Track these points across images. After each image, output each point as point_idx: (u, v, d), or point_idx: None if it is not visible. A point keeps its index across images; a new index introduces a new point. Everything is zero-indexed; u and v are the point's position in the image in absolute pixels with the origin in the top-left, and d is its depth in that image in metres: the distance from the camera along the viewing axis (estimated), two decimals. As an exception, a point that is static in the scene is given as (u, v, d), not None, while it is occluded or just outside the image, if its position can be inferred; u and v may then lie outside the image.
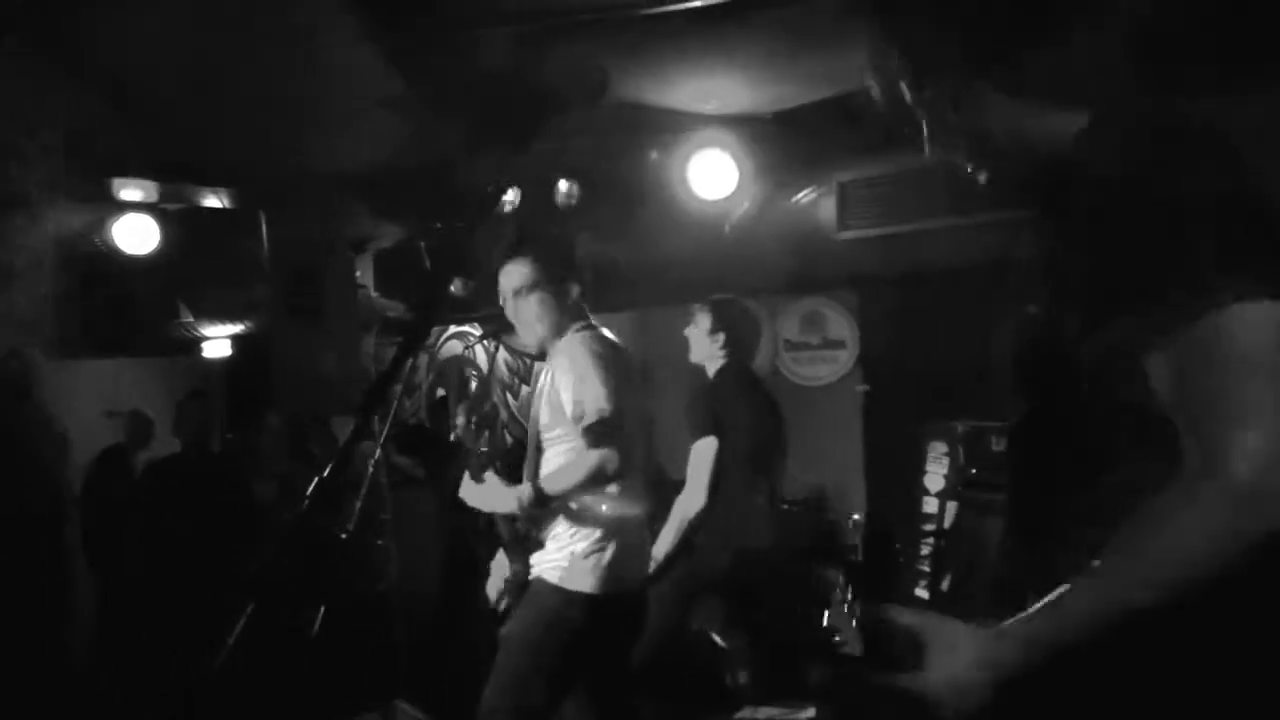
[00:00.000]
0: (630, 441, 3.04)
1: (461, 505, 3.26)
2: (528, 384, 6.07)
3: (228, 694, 1.31)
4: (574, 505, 3.05)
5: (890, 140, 4.71)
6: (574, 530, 3.06)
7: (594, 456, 2.93)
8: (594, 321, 3.24)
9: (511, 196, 5.19)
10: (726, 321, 4.26)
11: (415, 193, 5.72)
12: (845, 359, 5.94)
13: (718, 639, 4.59)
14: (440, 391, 5.62)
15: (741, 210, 5.16)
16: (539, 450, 3.18)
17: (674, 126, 4.81)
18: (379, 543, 5.11)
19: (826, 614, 3.70)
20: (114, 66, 3.72)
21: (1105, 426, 1.24)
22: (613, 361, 3.06)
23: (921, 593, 4.42)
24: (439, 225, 5.95)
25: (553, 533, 3.10)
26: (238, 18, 3.36)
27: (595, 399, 2.94)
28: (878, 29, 1.45)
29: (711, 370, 4.28)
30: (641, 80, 4.06)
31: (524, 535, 3.16)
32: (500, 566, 3.33)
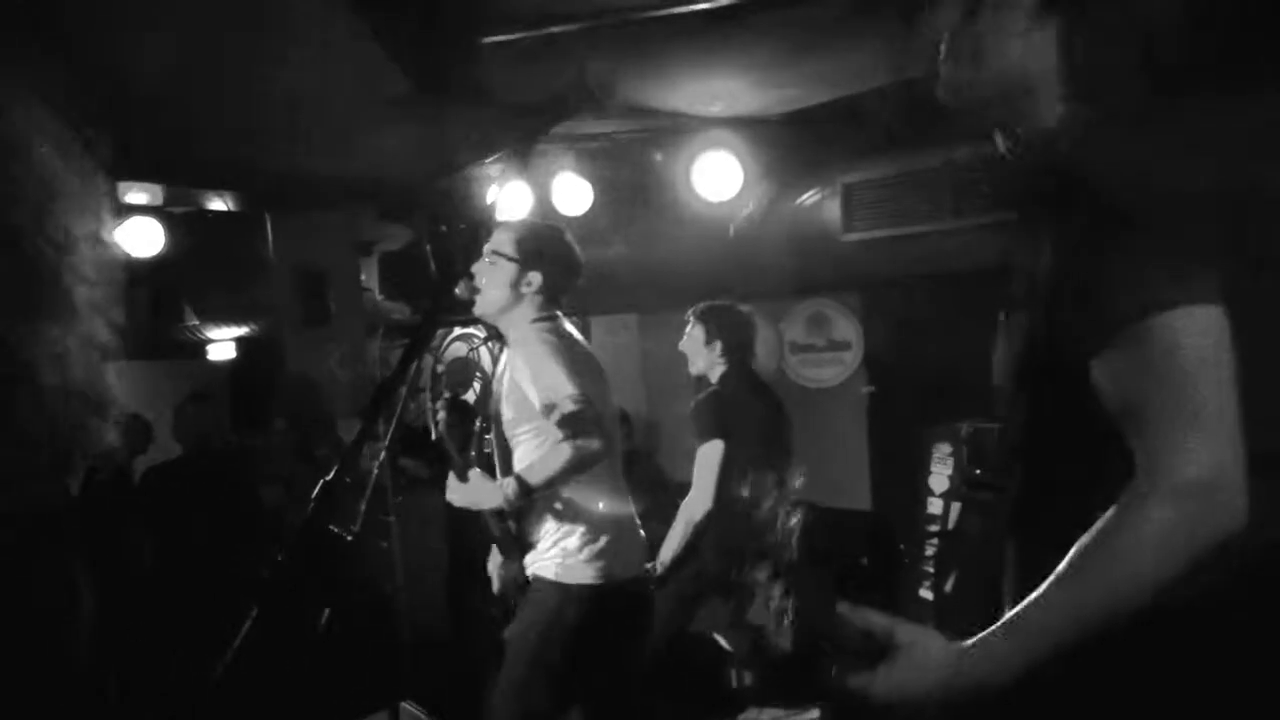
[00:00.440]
0: (607, 428, 3.03)
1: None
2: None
3: (233, 696, 1.31)
4: (558, 500, 3.05)
5: (895, 143, 4.72)
6: (563, 526, 3.06)
7: (571, 444, 2.92)
8: (554, 314, 3.22)
9: (524, 202, 5.20)
10: (720, 327, 4.26)
11: (421, 196, 5.73)
12: (850, 361, 5.94)
13: (721, 641, 4.59)
14: (451, 393, 5.61)
15: (746, 212, 5.16)
16: (507, 449, 3.17)
17: (678, 128, 4.81)
18: (384, 544, 5.11)
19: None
20: (117, 68, 3.73)
21: (1093, 430, 1.24)
22: (569, 350, 3.04)
23: (926, 594, 4.42)
24: (444, 228, 5.97)
25: (543, 530, 3.10)
26: (242, 19, 3.37)
27: (561, 387, 2.92)
28: None
29: (715, 377, 4.29)
30: (646, 82, 4.07)
31: (516, 535, 3.16)
32: (497, 568, 3.33)
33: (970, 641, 1.22)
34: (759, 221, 5.14)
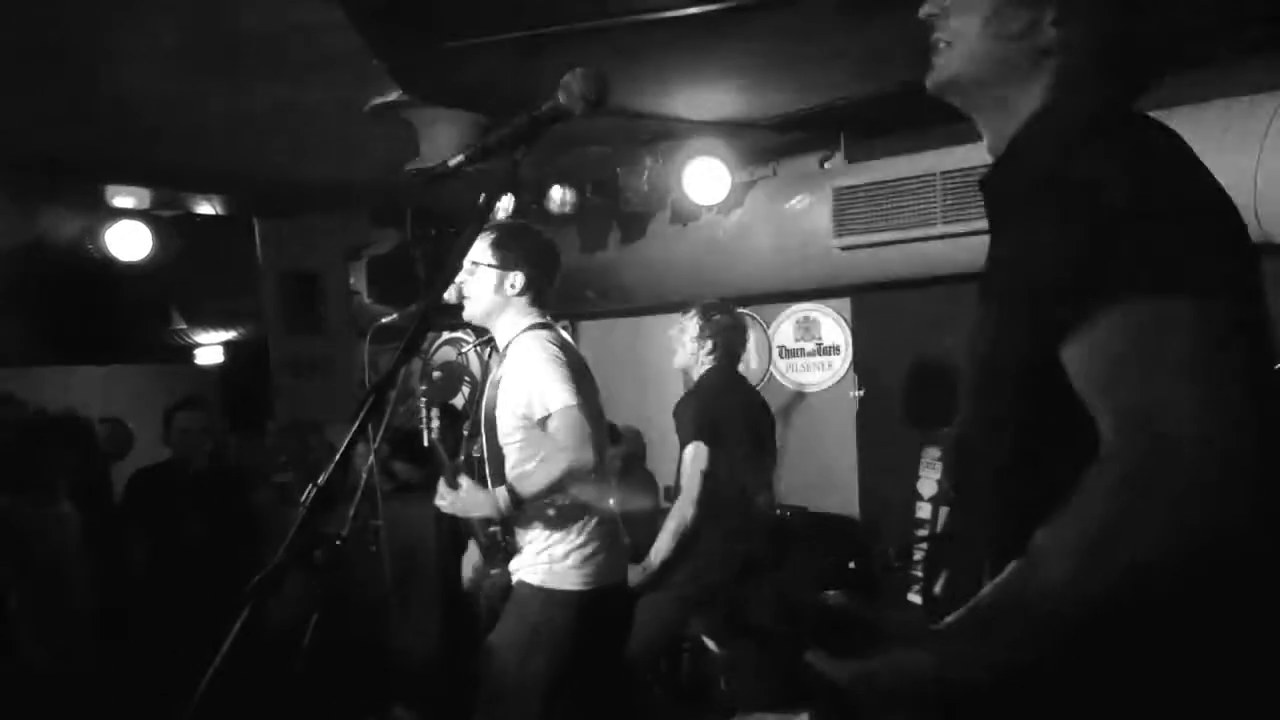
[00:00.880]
0: (598, 439, 3.04)
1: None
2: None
3: (224, 700, 1.31)
4: (547, 508, 3.05)
5: (886, 147, 4.74)
6: (550, 533, 3.06)
7: (565, 455, 2.92)
8: (549, 321, 3.22)
9: (506, 204, 5.20)
10: (715, 329, 4.25)
11: (410, 199, 5.73)
12: (839, 365, 5.94)
13: (711, 644, 4.59)
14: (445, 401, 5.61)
15: (735, 216, 5.17)
16: (500, 455, 3.16)
17: (669, 133, 4.82)
18: (373, 548, 5.10)
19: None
20: (107, 73, 3.72)
21: (1075, 430, 1.24)
22: (564, 359, 3.04)
23: (914, 598, 4.42)
24: (434, 232, 5.96)
25: (529, 537, 3.09)
26: (234, 25, 3.37)
27: (560, 399, 2.93)
28: None
29: (696, 375, 4.28)
30: (638, 87, 4.07)
31: (501, 542, 3.16)
32: (474, 568, 3.33)
33: (952, 617, 1.22)
34: (748, 226, 5.15)
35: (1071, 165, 1.27)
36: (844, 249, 4.72)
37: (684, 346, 4.29)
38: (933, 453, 4.76)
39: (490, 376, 3.28)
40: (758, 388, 4.90)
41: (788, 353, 6.14)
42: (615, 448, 5.17)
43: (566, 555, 3.04)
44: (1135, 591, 1.15)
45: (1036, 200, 1.30)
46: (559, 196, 5.27)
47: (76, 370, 7.69)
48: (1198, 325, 1.15)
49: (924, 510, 4.76)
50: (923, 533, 4.54)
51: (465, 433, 3.40)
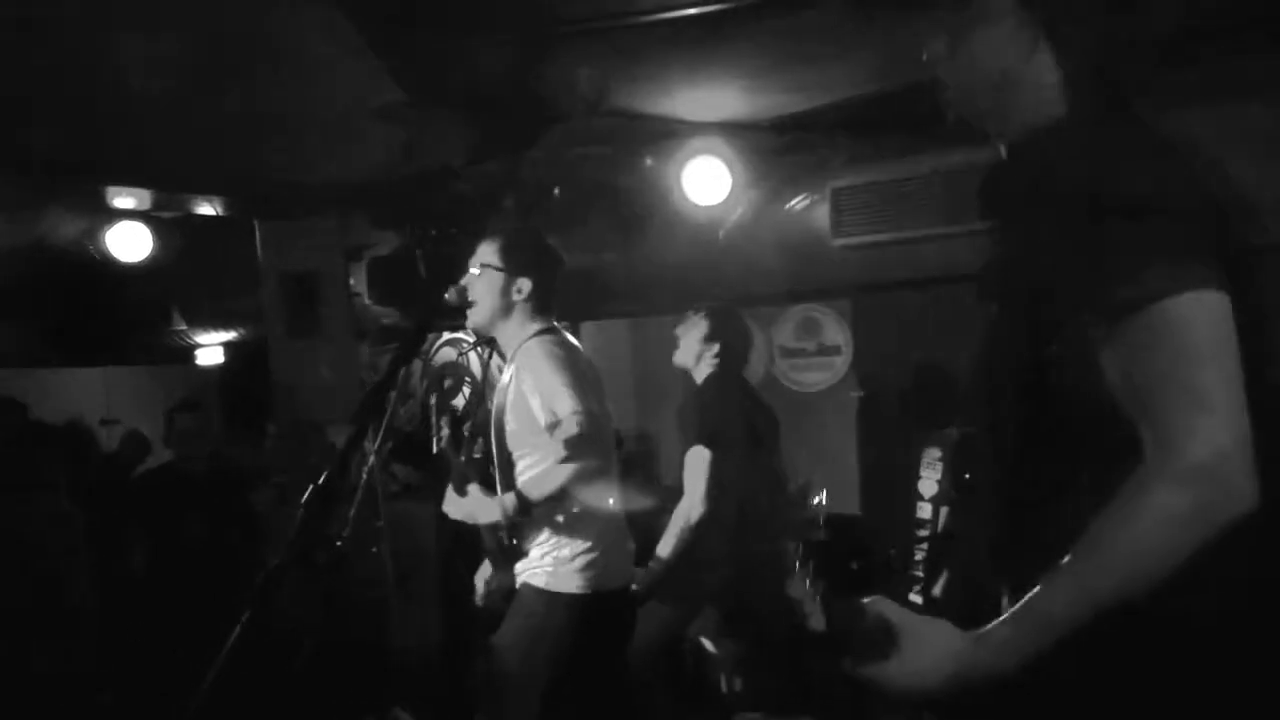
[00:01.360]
0: (605, 443, 3.04)
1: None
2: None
3: (225, 701, 1.31)
4: (556, 512, 3.05)
5: (886, 147, 4.74)
6: (556, 536, 3.06)
7: (574, 462, 2.92)
8: (555, 326, 3.22)
9: (507, 204, 5.20)
10: (722, 331, 4.25)
11: (410, 200, 5.72)
12: (840, 365, 5.95)
13: (709, 645, 4.59)
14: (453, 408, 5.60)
15: (736, 217, 5.16)
16: (509, 460, 3.16)
17: (669, 133, 4.82)
18: (374, 550, 5.10)
19: (788, 584, 3.72)
20: (107, 75, 3.72)
21: (1076, 430, 1.25)
22: (574, 364, 3.05)
23: (915, 598, 4.42)
24: (434, 233, 5.95)
25: (536, 540, 3.09)
26: (232, 24, 3.36)
27: (567, 405, 2.92)
28: None
29: (698, 376, 4.27)
30: (638, 87, 4.07)
31: (508, 546, 3.16)
32: (485, 580, 3.32)
33: (982, 630, 1.22)
34: (749, 227, 5.15)
35: (1069, 168, 1.27)
36: (843, 249, 4.72)
37: (689, 346, 4.28)
38: (933, 453, 4.75)
39: (498, 383, 3.27)
40: (758, 388, 4.89)
41: (789, 353, 6.15)
42: (618, 451, 5.17)
43: (572, 558, 3.04)
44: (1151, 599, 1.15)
45: (1035, 203, 1.31)
46: (560, 197, 5.26)
47: (77, 372, 7.70)
48: (1201, 325, 1.15)
49: (924, 510, 4.76)
50: (923, 533, 4.54)
51: (466, 434, 3.40)
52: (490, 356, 3.57)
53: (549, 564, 3.05)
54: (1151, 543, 1.15)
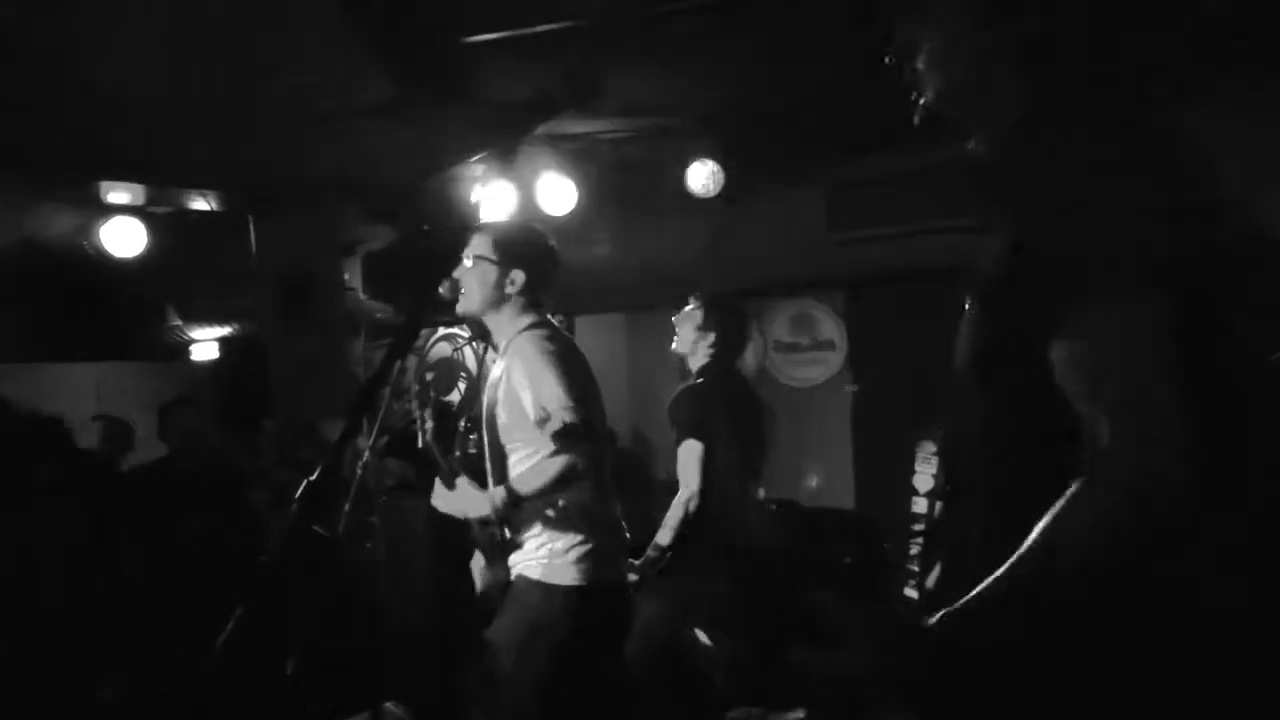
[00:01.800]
0: (597, 437, 3.03)
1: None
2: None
3: (218, 696, 1.31)
4: (547, 506, 3.04)
5: (881, 142, 4.74)
6: (550, 529, 3.05)
7: (563, 456, 2.91)
8: (548, 319, 3.21)
9: (502, 198, 5.20)
10: (718, 322, 4.23)
11: (405, 195, 5.72)
12: (835, 360, 5.95)
13: (703, 638, 4.59)
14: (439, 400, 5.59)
15: (730, 211, 5.17)
16: (501, 453, 3.16)
17: (664, 127, 4.82)
18: (367, 545, 5.10)
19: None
20: (102, 69, 3.72)
21: (1057, 425, 1.26)
22: (567, 358, 3.04)
23: (911, 592, 4.43)
24: (428, 228, 5.95)
25: (530, 533, 3.09)
26: (229, 21, 3.36)
27: (557, 399, 2.92)
28: None
29: (694, 365, 4.27)
30: (632, 82, 4.07)
31: (500, 540, 3.15)
32: (481, 569, 3.32)
33: (944, 611, 1.24)
34: (743, 221, 5.15)
35: (1058, 163, 1.28)
36: (838, 243, 4.73)
37: (685, 334, 4.26)
38: (928, 447, 4.76)
39: (490, 376, 3.27)
40: (753, 382, 4.89)
41: (783, 347, 6.15)
42: (611, 445, 5.17)
43: (567, 550, 3.04)
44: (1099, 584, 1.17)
45: (1025, 198, 1.31)
46: (555, 190, 5.26)
47: (72, 368, 7.68)
48: (1173, 323, 1.17)
49: (919, 505, 4.76)
50: (918, 527, 4.55)
51: (460, 428, 3.39)
52: (486, 352, 3.56)
53: (544, 555, 3.04)
54: (1087, 536, 1.17)
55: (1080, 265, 1.21)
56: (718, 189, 4.97)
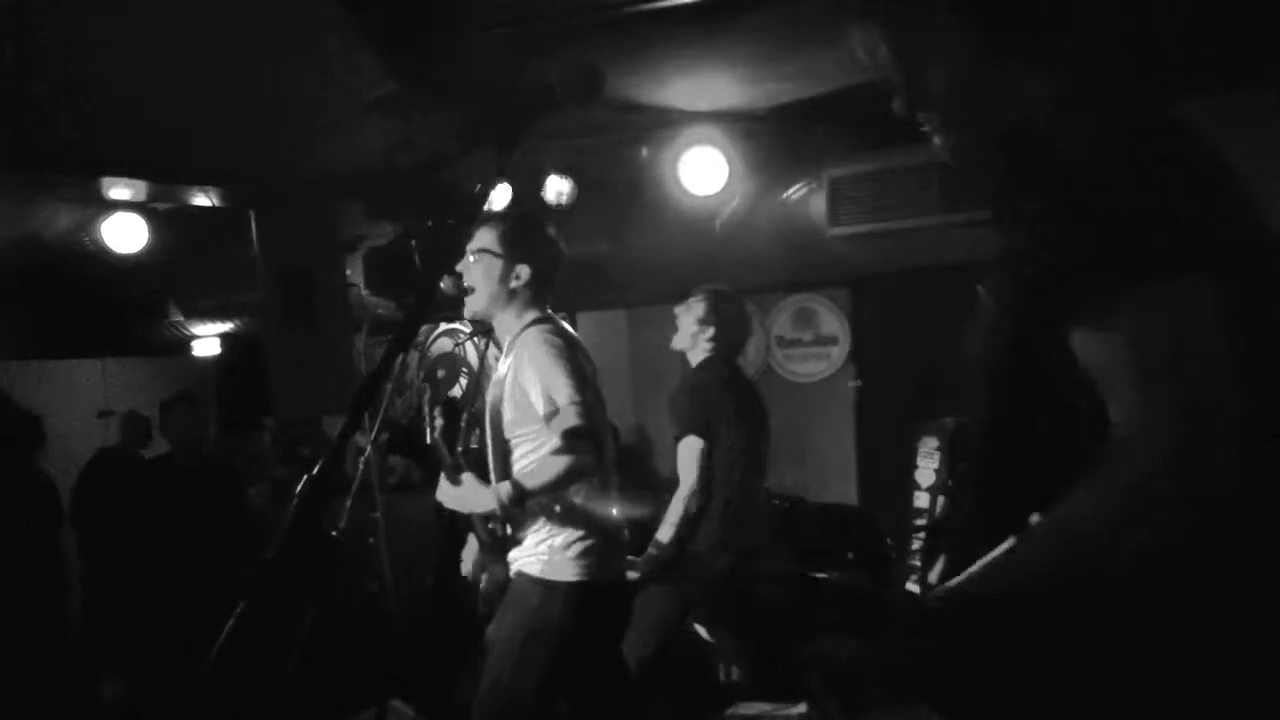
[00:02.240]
0: (602, 434, 3.03)
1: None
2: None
3: (221, 694, 1.30)
4: (550, 503, 3.04)
5: (883, 136, 4.73)
6: (551, 525, 3.05)
7: (571, 452, 2.91)
8: (552, 315, 3.21)
9: (504, 195, 5.19)
10: (718, 316, 4.23)
11: (406, 191, 5.71)
12: (837, 355, 5.95)
13: (704, 633, 4.59)
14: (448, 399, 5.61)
15: (732, 206, 5.16)
16: (506, 449, 3.15)
17: (665, 123, 4.81)
18: (371, 541, 5.10)
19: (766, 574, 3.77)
20: (102, 66, 3.71)
21: (1067, 420, 1.25)
22: (573, 354, 3.04)
23: (913, 587, 4.42)
24: (430, 223, 5.95)
25: (530, 529, 3.09)
26: (228, 17, 3.35)
27: (566, 394, 2.92)
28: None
29: (694, 360, 4.27)
30: (633, 78, 4.06)
31: (501, 535, 3.15)
32: (475, 565, 3.32)
33: (940, 589, 1.23)
34: (745, 216, 5.14)
35: (1069, 154, 1.27)
36: (840, 239, 4.71)
37: (686, 328, 4.26)
38: (931, 442, 4.75)
39: (494, 374, 3.26)
40: (755, 378, 4.89)
41: (786, 343, 6.15)
42: (614, 443, 5.17)
43: (567, 546, 3.04)
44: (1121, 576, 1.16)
45: (1028, 190, 1.31)
46: (556, 188, 5.25)
47: (74, 364, 7.68)
48: (1199, 308, 1.16)
49: (922, 500, 4.76)
50: (920, 522, 4.54)
51: (463, 424, 3.39)
52: (487, 346, 3.56)
53: (544, 552, 3.04)
54: (1124, 518, 1.15)
55: (1117, 254, 1.19)
56: (717, 184, 4.96)
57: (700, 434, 3.99)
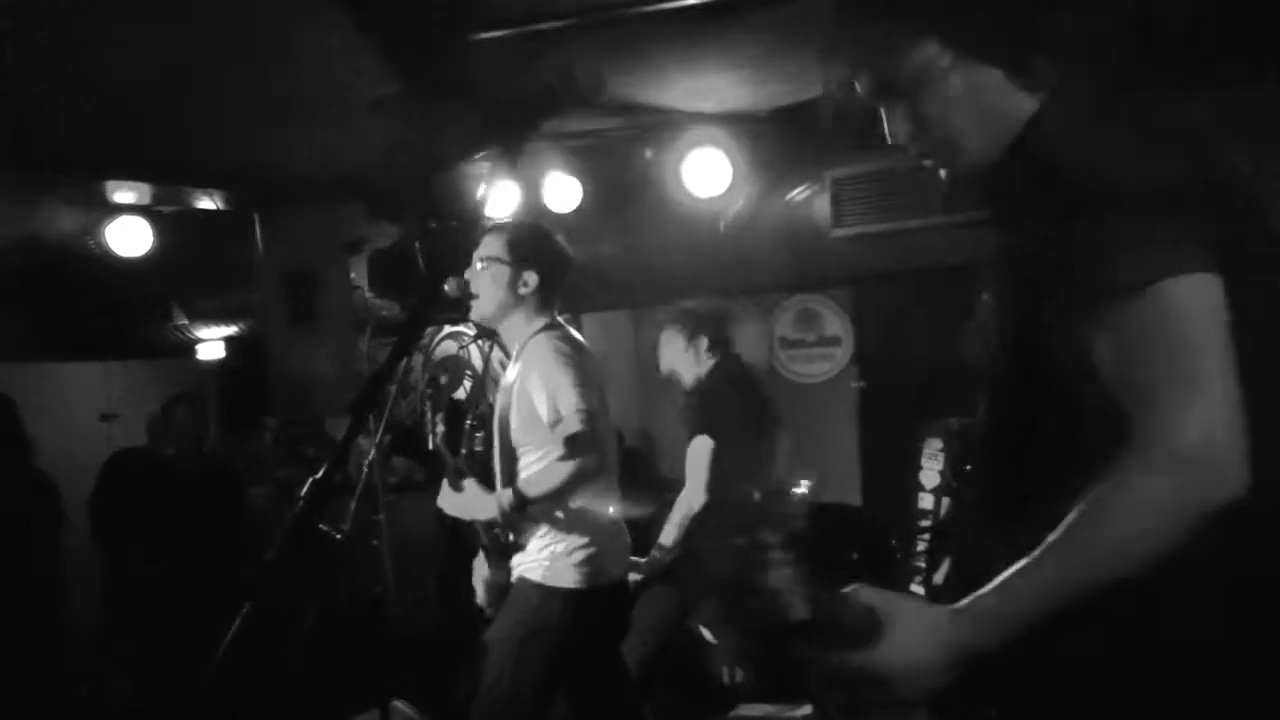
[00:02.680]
0: (605, 442, 3.03)
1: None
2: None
3: (225, 694, 1.30)
4: (554, 508, 3.03)
5: (884, 138, 4.72)
6: (553, 531, 3.05)
7: (574, 460, 2.90)
8: (560, 322, 3.21)
9: (508, 198, 5.19)
10: (698, 326, 4.24)
11: (410, 193, 5.71)
12: (840, 356, 5.94)
13: (708, 635, 4.59)
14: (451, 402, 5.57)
15: (736, 208, 5.16)
16: (512, 456, 3.15)
17: (668, 125, 4.81)
18: (374, 543, 5.09)
19: (770, 575, 3.73)
20: (106, 68, 3.72)
21: (1075, 420, 1.24)
22: (580, 362, 3.03)
23: (917, 588, 4.42)
24: (433, 225, 5.94)
25: (532, 534, 3.08)
26: (232, 18, 3.36)
27: (571, 402, 2.91)
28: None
29: (700, 371, 4.26)
30: (636, 79, 4.06)
31: (503, 542, 3.14)
32: (480, 568, 3.32)
33: (961, 603, 1.22)
34: (749, 217, 5.14)
35: (1066, 159, 1.27)
36: (843, 240, 4.71)
37: (675, 356, 4.27)
38: (934, 443, 4.74)
39: (502, 380, 3.25)
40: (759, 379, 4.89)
41: (789, 344, 6.14)
42: (619, 449, 5.17)
43: (569, 553, 3.03)
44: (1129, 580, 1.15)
45: (1029, 192, 1.30)
46: (559, 189, 5.25)
47: (77, 366, 7.69)
48: (1195, 309, 1.15)
49: (926, 501, 4.75)
50: (925, 523, 4.53)
51: (466, 428, 3.39)
52: (491, 350, 3.56)
53: (545, 558, 3.04)
54: (1135, 523, 1.15)
55: (1117, 254, 1.19)
56: (720, 185, 4.96)
57: (712, 434, 4.00)
